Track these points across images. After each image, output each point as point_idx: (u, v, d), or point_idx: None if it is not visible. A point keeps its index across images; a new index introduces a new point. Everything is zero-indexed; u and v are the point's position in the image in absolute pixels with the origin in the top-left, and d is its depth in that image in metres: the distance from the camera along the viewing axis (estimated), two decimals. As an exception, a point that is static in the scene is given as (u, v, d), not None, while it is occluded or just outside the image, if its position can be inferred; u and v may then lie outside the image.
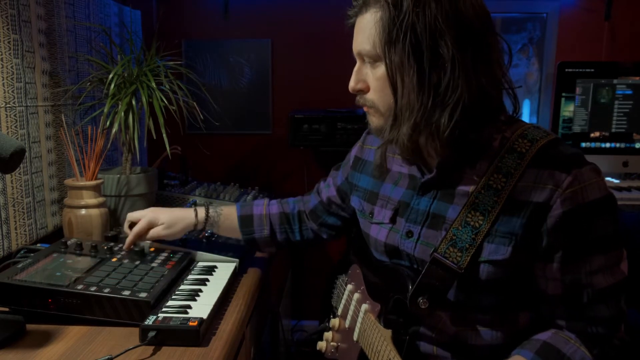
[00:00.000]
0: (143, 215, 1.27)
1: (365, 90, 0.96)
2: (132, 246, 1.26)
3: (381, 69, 0.91)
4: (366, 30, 0.91)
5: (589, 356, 0.89)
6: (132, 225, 1.29)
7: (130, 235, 1.26)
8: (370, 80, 0.94)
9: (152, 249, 1.27)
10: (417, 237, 0.98)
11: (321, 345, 1.19)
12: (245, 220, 1.32)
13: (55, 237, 1.45)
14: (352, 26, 0.96)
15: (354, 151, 1.25)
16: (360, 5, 0.92)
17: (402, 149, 0.94)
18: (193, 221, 1.29)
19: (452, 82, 0.85)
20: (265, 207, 1.34)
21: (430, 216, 0.97)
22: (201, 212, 1.30)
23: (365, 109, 0.98)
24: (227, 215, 1.32)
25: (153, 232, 1.27)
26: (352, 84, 0.96)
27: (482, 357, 0.96)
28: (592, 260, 0.88)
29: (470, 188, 0.93)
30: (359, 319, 1.05)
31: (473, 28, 0.86)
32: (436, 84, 0.86)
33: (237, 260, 1.29)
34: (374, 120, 0.98)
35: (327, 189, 1.31)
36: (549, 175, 0.87)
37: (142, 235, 1.27)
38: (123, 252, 1.23)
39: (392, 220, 1.04)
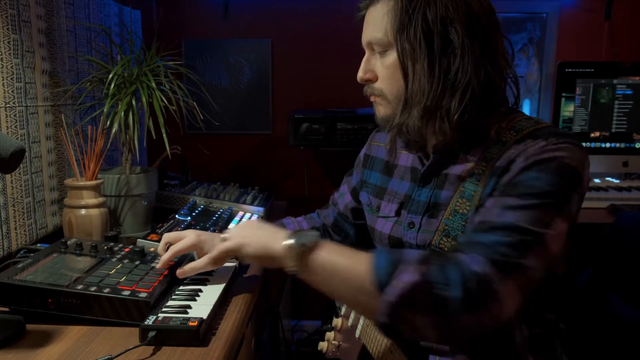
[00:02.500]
0: (184, 236, 1.13)
1: (374, 79, 0.99)
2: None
3: (391, 57, 0.94)
4: (378, 19, 0.94)
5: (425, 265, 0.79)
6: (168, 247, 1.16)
7: (170, 251, 1.12)
8: (378, 70, 0.97)
9: (152, 249, 1.27)
10: (418, 227, 1.00)
11: (322, 345, 1.20)
12: None
13: (55, 237, 1.45)
14: (362, 18, 0.99)
15: (363, 151, 1.27)
16: None
17: (412, 133, 0.95)
18: None
19: (461, 67, 0.88)
20: (296, 224, 1.31)
21: (431, 206, 0.99)
22: None
23: (372, 98, 1.01)
24: None
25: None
26: (360, 73, 0.99)
27: (478, 346, 0.96)
28: (514, 201, 0.83)
29: (461, 175, 0.95)
30: (362, 316, 1.05)
31: (480, 20, 0.90)
32: (446, 70, 0.89)
33: (237, 260, 1.29)
34: (381, 110, 1.00)
35: (342, 197, 1.30)
36: (524, 145, 0.88)
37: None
38: (123, 252, 1.22)
39: (397, 213, 1.05)
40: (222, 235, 1.01)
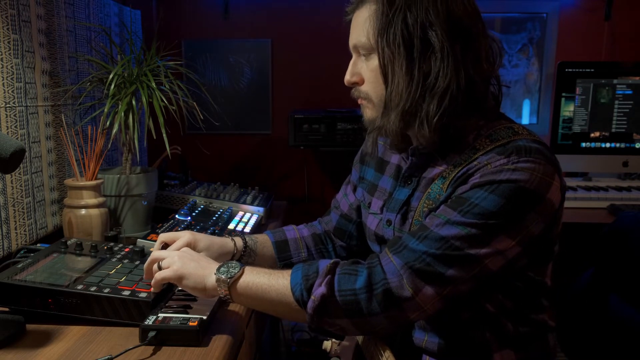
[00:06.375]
0: (180, 236, 1.14)
1: (360, 82, 1.01)
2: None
3: (375, 60, 0.96)
4: (361, 23, 0.97)
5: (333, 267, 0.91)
6: (164, 246, 1.16)
7: None
8: (364, 73, 1.00)
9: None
10: (394, 225, 1.03)
11: (326, 344, 1.21)
12: (282, 246, 1.26)
13: (55, 237, 1.45)
14: (350, 22, 1.02)
15: (362, 147, 1.28)
16: (358, 1, 0.99)
17: (391, 136, 0.99)
18: (232, 249, 1.18)
19: (441, 70, 0.90)
20: (297, 231, 1.30)
21: (405, 205, 1.01)
22: (239, 241, 1.22)
23: (359, 101, 1.03)
24: (263, 243, 1.25)
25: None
26: (347, 76, 1.02)
27: (460, 333, 0.97)
28: (456, 217, 0.87)
29: (433, 178, 0.97)
30: None
31: (463, 24, 0.91)
32: (426, 73, 0.91)
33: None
34: (367, 112, 1.03)
35: (346, 197, 1.29)
36: (487, 159, 0.89)
37: None
38: (123, 252, 1.22)
39: (382, 210, 1.08)
40: (161, 263, 1.01)
